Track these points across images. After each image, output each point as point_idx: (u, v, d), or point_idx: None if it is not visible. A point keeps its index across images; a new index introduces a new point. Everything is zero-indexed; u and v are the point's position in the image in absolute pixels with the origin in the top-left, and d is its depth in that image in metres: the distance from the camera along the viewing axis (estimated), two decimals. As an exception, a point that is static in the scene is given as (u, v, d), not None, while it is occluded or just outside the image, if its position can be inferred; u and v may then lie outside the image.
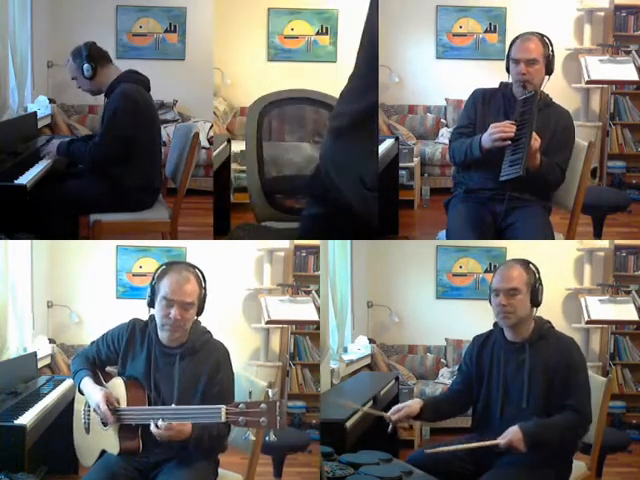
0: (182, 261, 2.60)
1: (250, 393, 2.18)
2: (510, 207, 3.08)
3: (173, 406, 2.31)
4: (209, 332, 2.53)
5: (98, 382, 2.48)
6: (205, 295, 2.48)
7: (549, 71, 3.05)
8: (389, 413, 2.58)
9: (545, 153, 2.98)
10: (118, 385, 2.44)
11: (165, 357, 2.45)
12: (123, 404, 2.38)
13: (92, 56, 3.54)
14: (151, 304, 2.47)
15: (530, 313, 2.53)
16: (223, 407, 2.13)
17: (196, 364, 2.44)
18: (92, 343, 2.61)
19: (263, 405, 2.09)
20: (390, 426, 2.58)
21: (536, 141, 2.88)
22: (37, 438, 3.02)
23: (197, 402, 2.39)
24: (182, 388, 2.41)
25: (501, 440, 2.37)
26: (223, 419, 2.13)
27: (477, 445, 2.43)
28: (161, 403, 2.41)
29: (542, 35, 3.06)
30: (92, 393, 2.42)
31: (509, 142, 2.90)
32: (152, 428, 2.25)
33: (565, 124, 3.11)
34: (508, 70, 3.09)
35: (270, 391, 2.26)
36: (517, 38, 3.07)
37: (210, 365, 2.44)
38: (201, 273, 2.48)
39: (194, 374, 2.43)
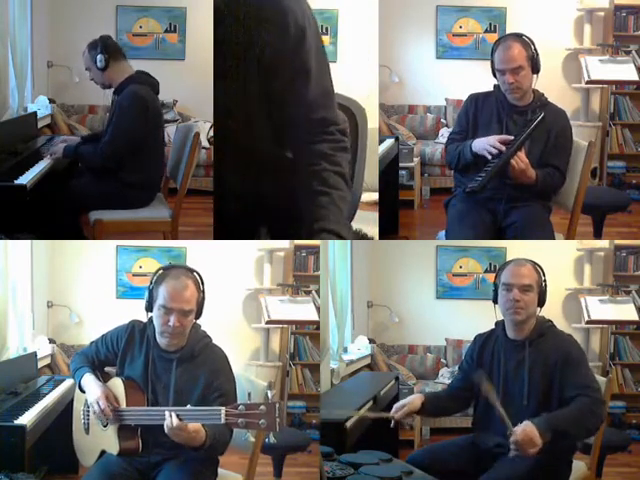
0: (180, 265, 2.53)
1: (249, 395, 2.17)
2: (510, 207, 3.08)
3: (174, 407, 2.29)
4: (209, 337, 2.51)
5: (98, 380, 2.48)
6: (204, 299, 2.45)
7: (536, 71, 3.03)
8: (392, 411, 2.58)
9: (542, 157, 2.99)
10: (117, 385, 2.43)
11: (163, 361, 2.44)
12: (122, 404, 2.37)
13: (106, 48, 3.62)
14: (149, 308, 2.44)
15: (535, 312, 2.54)
16: (223, 409, 2.12)
17: (193, 369, 2.42)
18: (91, 343, 2.60)
19: (262, 407, 2.07)
20: (393, 423, 2.58)
21: (521, 162, 2.91)
22: (37, 438, 3.02)
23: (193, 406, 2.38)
24: (178, 393, 2.39)
25: (515, 432, 2.25)
26: (223, 421, 2.12)
27: None
28: (157, 406, 2.39)
29: (521, 36, 3.02)
30: (93, 390, 2.41)
31: (490, 157, 2.95)
32: (166, 424, 2.20)
33: (562, 126, 3.11)
34: (494, 75, 3.08)
35: (269, 392, 2.25)
36: (498, 45, 3.03)
37: (208, 371, 2.42)
38: (199, 276, 2.46)
39: (191, 379, 2.41)
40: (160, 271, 2.44)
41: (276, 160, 2.02)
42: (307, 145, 1.95)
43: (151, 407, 2.37)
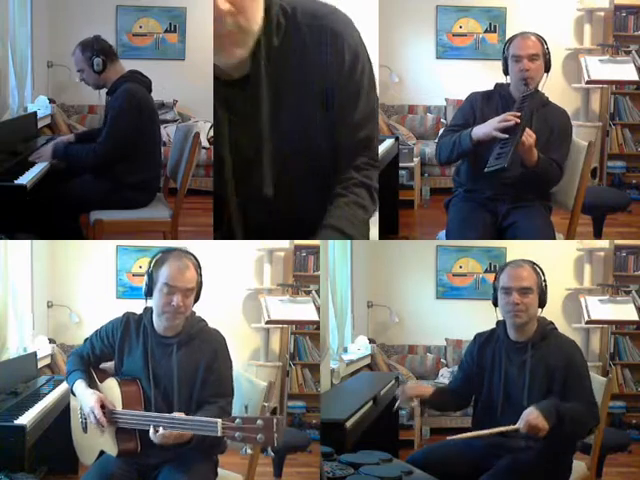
0: (178, 248, 2.49)
1: (246, 407, 2.12)
2: (510, 207, 3.08)
3: (169, 414, 2.24)
4: (204, 320, 2.49)
5: (92, 383, 2.44)
6: (202, 283, 2.43)
7: (547, 68, 3.05)
8: (407, 385, 2.65)
9: (542, 151, 2.98)
10: (113, 387, 2.39)
11: (162, 347, 2.41)
12: (118, 405, 2.34)
13: (103, 50, 3.56)
14: (149, 293, 2.40)
15: (536, 314, 2.54)
16: (219, 421, 2.05)
17: (193, 352, 2.40)
18: (85, 340, 2.57)
19: (259, 421, 2.00)
20: (397, 403, 2.62)
21: (530, 137, 2.86)
22: (37, 438, 3.02)
23: (197, 391, 2.37)
24: (181, 377, 2.38)
25: (520, 424, 2.30)
26: (219, 433, 2.05)
27: (497, 431, 2.36)
28: (160, 395, 2.37)
29: (536, 34, 3.06)
30: (85, 397, 2.37)
31: (505, 135, 2.87)
32: (151, 434, 2.20)
33: (562, 122, 3.11)
34: (505, 72, 3.09)
35: (267, 405, 2.20)
36: (514, 37, 3.07)
37: (208, 353, 2.41)
38: (197, 260, 2.45)
39: (192, 362, 2.39)
40: (159, 254, 2.42)
41: (315, 171, 2.07)
42: (345, 159, 2.04)
43: (148, 412, 2.31)
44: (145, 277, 2.41)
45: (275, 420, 1.97)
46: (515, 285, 2.49)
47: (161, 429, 2.17)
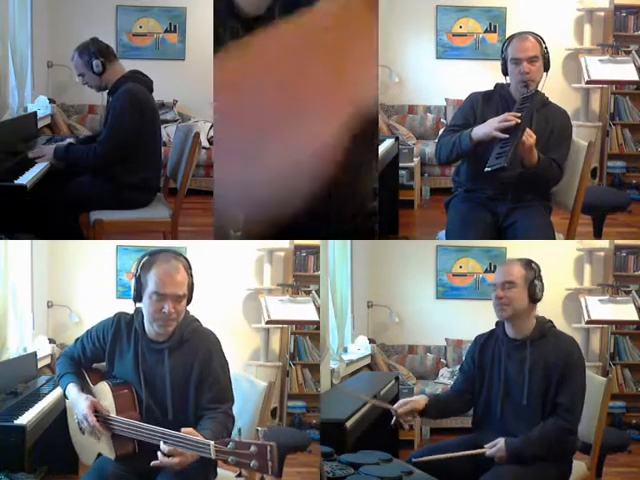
0: (166, 249, 2.36)
1: (240, 430, 2.07)
2: (510, 207, 3.08)
3: (163, 430, 2.15)
4: (197, 320, 2.41)
5: (85, 386, 2.39)
6: (193, 284, 2.34)
7: (547, 68, 3.05)
8: (395, 406, 2.59)
9: (543, 151, 2.98)
10: (105, 391, 2.34)
11: (153, 353, 2.34)
12: (112, 409, 2.28)
13: (100, 52, 3.56)
14: (138, 298, 2.30)
15: (528, 308, 2.53)
16: (212, 443, 1.99)
17: (186, 355, 2.32)
18: (76, 341, 2.50)
19: (253, 448, 1.91)
20: (394, 419, 2.58)
21: (531, 137, 2.86)
22: (37, 438, 3.02)
23: (192, 395, 2.31)
24: (174, 383, 2.31)
25: (487, 450, 2.42)
26: (213, 456, 1.99)
27: (464, 454, 2.45)
28: (154, 400, 2.32)
29: (533, 33, 3.06)
30: (78, 402, 2.31)
31: (505, 135, 2.86)
32: (160, 457, 2.11)
33: (562, 122, 3.11)
34: (504, 72, 3.08)
35: (260, 430, 2.14)
36: (511, 39, 3.06)
37: (201, 355, 2.32)
38: (187, 261, 2.35)
39: (185, 366, 2.32)
40: (146, 257, 2.30)
41: None
42: None
43: (142, 424, 2.23)
44: (133, 281, 2.32)
45: (269, 447, 1.90)
46: (499, 280, 2.53)
47: (163, 445, 2.10)
